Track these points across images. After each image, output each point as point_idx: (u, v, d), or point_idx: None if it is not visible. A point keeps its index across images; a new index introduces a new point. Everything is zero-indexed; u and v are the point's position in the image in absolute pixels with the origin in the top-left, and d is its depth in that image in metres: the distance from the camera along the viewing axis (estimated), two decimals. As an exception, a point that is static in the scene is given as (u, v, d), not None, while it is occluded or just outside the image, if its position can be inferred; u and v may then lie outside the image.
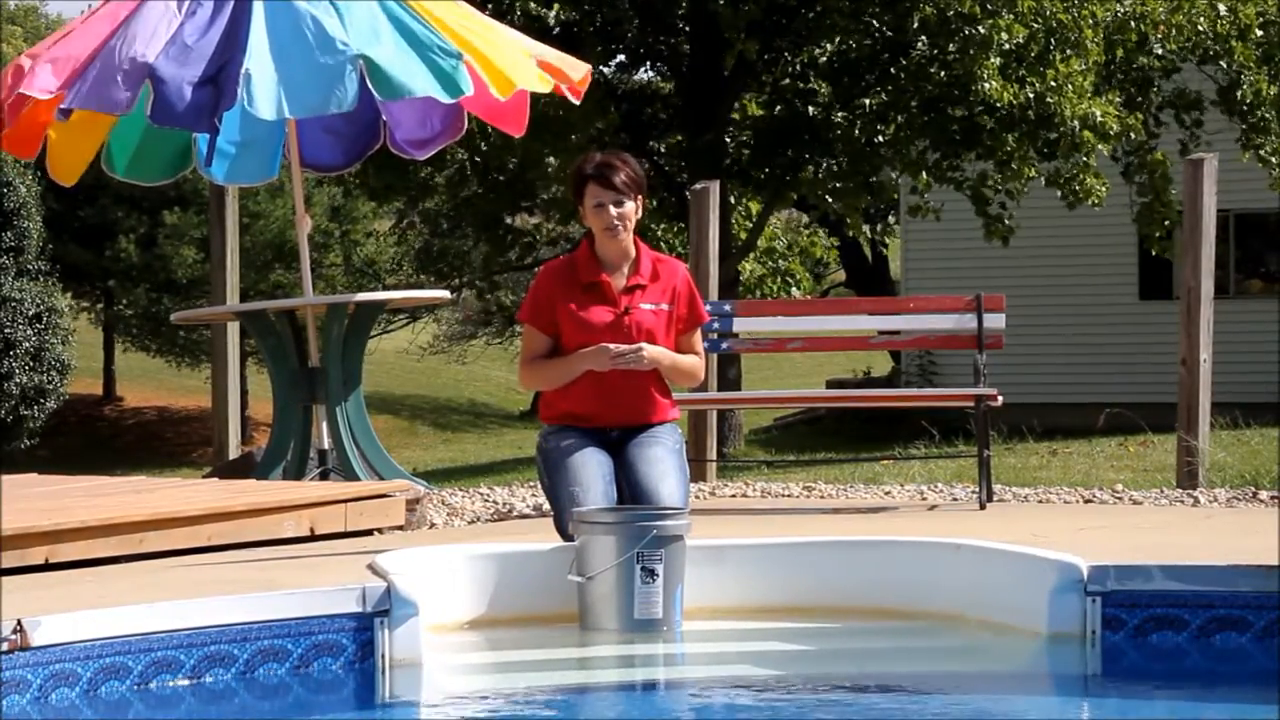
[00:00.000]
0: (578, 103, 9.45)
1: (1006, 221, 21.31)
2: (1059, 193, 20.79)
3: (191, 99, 8.41)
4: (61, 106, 8.66)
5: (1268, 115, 21.01)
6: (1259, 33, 21.08)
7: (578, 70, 9.20)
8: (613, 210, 6.58)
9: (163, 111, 8.45)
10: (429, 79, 8.54)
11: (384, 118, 9.63)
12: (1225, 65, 20.99)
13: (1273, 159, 21.32)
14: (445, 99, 8.68)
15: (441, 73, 8.57)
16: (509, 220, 25.44)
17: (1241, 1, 20.95)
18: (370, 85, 8.47)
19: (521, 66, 8.88)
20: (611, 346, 6.52)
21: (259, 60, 8.43)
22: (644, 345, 6.56)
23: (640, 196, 6.65)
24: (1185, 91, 21.62)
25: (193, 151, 9.81)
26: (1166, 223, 21.29)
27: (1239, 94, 20.98)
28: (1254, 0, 21.11)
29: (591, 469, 6.49)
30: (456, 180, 23.55)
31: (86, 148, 9.56)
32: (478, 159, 22.48)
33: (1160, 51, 21.10)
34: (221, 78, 8.44)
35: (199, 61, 8.52)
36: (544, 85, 8.95)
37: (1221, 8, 20.80)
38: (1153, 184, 21.21)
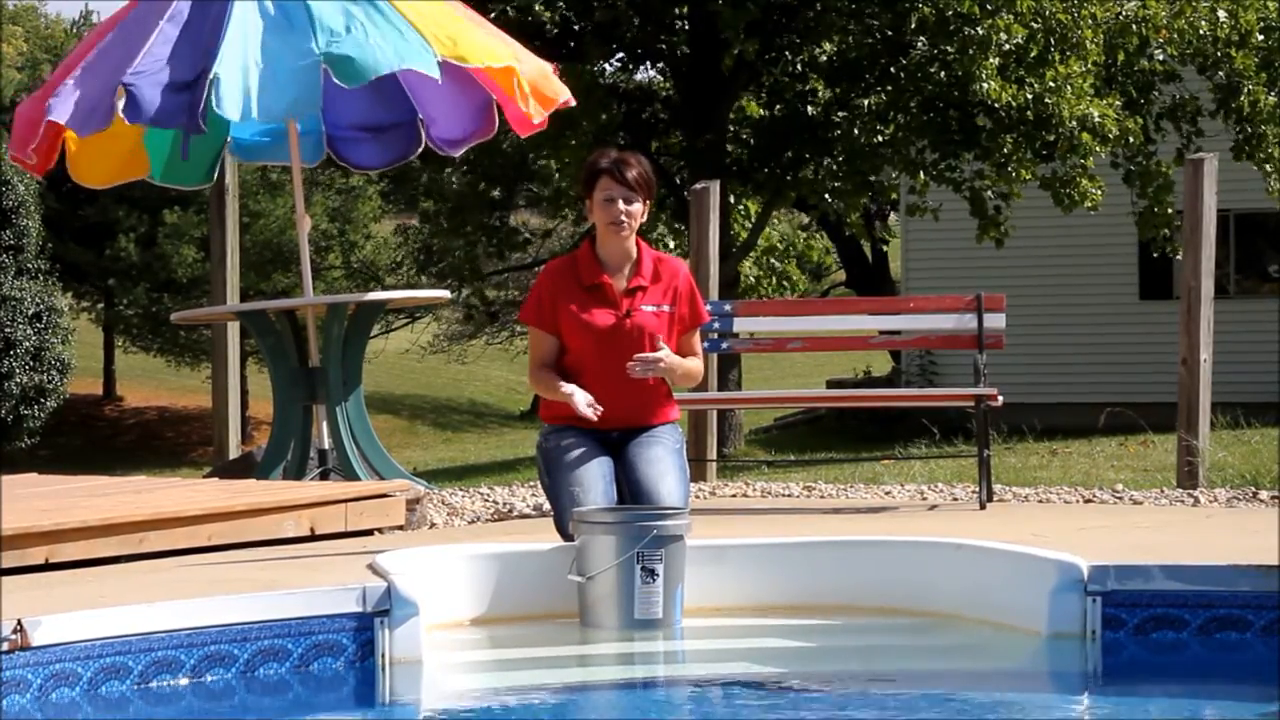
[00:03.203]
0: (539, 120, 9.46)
1: (1001, 224, 21.29)
2: (1053, 197, 20.77)
3: (163, 101, 8.53)
4: (57, 120, 8.78)
5: (1265, 129, 20.99)
6: (1259, 38, 21.06)
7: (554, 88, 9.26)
8: (621, 205, 6.58)
9: (134, 110, 8.56)
10: (391, 54, 8.58)
11: (420, 115, 9.66)
12: (1224, 74, 20.97)
13: (1267, 166, 21.29)
14: (419, 68, 8.68)
15: (405, 49, 8.62)
16: (508, 219, 25.45)
17: (1242, 8, 20.94)
18: (336, 79, 8.55)
19: (494, 52, 8.93)
20: (593, 415, 6.48)
21: (229, 64, 8.53)
22: (665, 354, 6.53)
23: (648, 200, 6.66)
24: (1184, 101, 21.58)
25: (226, 145, 9.92)
26: (1165, 232, 21.28)
27: (1235, 104, 20.96)
28: (1254, 7, 21.10)
29: (592, 469, 6.49)
30: (450, 173, 23.56)
31: (118, 150, 9.61)
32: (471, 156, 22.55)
33: (1161, 57, 21.08)
34: (199, 83, 8.55)
35: (172, 65, 8.64)
36: (505, 59, 8.96)
37: (1222, 13, 20.79)
38: (1151, 194, 21.16)
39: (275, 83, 8.58)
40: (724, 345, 9.03)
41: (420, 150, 9.94)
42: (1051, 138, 19.97)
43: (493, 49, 8.95)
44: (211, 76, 8.46)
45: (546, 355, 6.68)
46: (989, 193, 21.11)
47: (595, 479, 6.45)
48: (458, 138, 9.79)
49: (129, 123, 8.76)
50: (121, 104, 8.53)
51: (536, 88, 9.07)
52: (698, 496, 8.74)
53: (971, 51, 19.54)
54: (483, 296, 30.71)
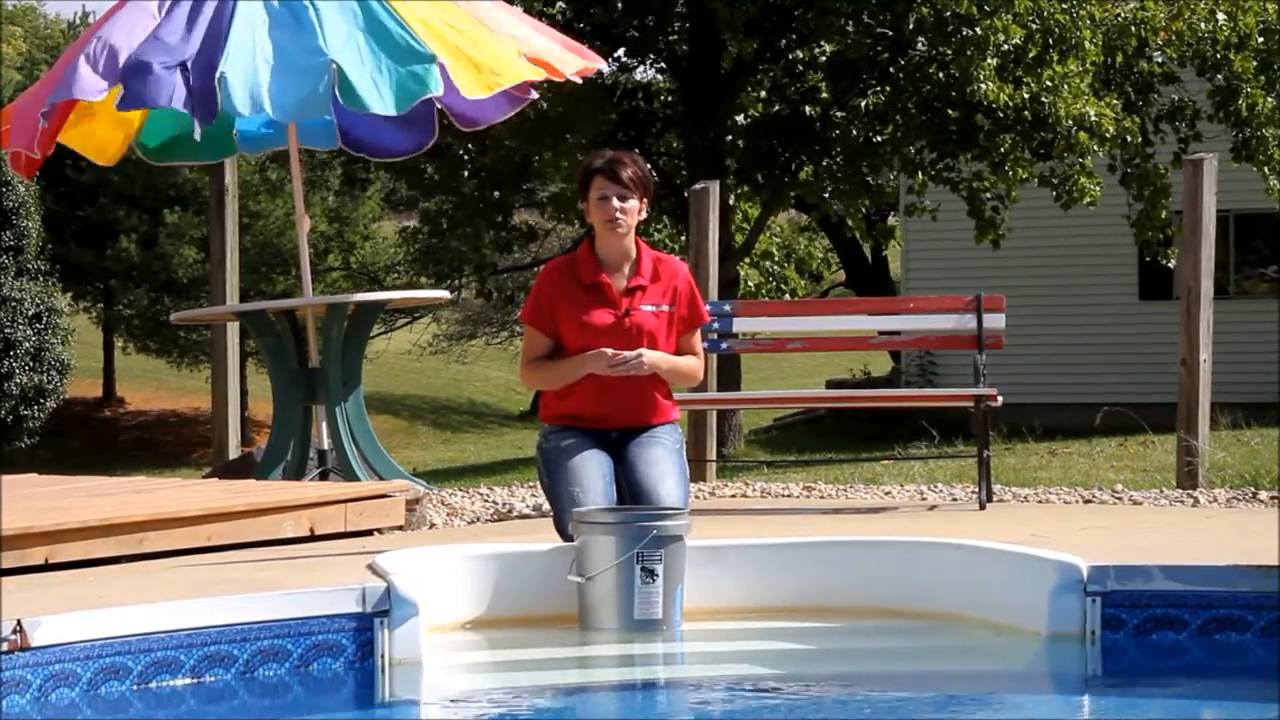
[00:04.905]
0: (535, 95, 9.40)
1: (1000, 224, 21.28)
2: (1053, 194, 20.77)
3: (164, 81, 8.49)
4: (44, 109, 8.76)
5: (1264, 133, 20.97)
6: (1259, 40, 21.05)
7: (569, 65, 9.16)
8: (616, 203, 6.58)
9: (132, 97, 8.55)
10: (388, 94, 8.54)
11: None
12: (1223, 76, 20.96)
13: (1266, 168, 21.26)
14: (397, 111, 8.65)
15: (405, 82, 8.57)
16: (510, 219, 25.44)
17: (1241, 10, 20.93)
18: (338, 93, 8.51)
19: (506, 64, 8.85)
20: (610, 352, 6.53)
21: (236, 60, 8.50)
22: (643, 351, 6.56)
23: (645, 198, 6.66)
24: (1182, 104, 21.56)
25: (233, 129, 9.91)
26: (1164, 233, 21.27)
27: (1233, 106, 20.95)
28: (1253, 9, 21.09)
29: (591, 469, 6.49)
30: (451, 172, 23.52)
31: (119, 128, 9.61)
32: (468, 154, 22.53)
33: (1160, 59, 21.07)
34: (203, 77, 8.51)
35: (174, 52, 8.61)
36: (533, 74, 8.92)
37: (1220, 15, 20.78)
38: (1148, 197, 21.15)
39: (284, 79, 8.55)
40: (724, 345, 9.02)
41: (435, 137, 9.88)
42: (1049, 137, 19.97)
43: (503, 65, 8.87)
44: (219, 73, 8.44)
45: (540, 354, 6.68)
46: (987, 194, 21.10)
47: (595, 479, 6.46)
48: (472, 115, 9.68)
49: (138, 106, 8.76)
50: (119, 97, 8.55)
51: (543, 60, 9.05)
52: (697, 497, 8.74)
53: (970, 52, 19.54)
54: (494, 289, 30.78)
